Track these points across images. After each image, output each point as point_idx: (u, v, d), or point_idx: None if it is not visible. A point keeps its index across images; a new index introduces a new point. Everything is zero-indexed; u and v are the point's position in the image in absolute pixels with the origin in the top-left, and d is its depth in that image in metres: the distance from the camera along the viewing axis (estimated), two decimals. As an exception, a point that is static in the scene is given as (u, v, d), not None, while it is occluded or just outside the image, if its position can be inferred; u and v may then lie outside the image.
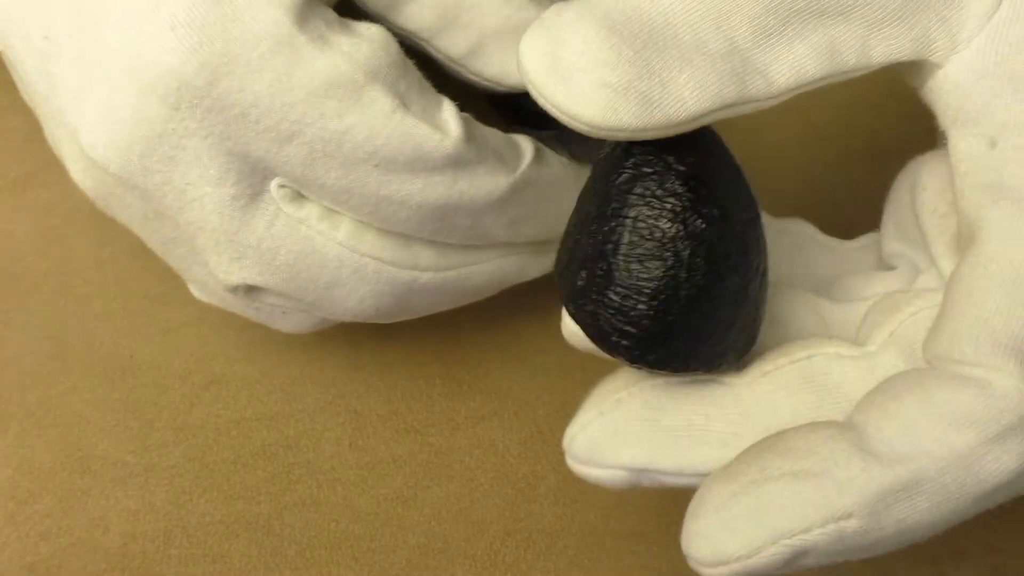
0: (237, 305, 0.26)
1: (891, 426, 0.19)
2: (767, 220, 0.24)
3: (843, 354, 0.22)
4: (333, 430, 0.30)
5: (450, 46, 0.27)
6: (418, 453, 0.30)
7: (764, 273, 0.22)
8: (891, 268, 0.25)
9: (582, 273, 0.21)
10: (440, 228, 0.25)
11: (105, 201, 0.25)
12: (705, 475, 0.22)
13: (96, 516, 0.29)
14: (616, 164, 0.21)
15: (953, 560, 0.30)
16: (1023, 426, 0.19)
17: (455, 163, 0.24)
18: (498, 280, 0.28)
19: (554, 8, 0.20)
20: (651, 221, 0.20)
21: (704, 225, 0.20)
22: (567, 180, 0.27)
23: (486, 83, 0.27)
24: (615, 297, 0.21)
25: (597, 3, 0.20)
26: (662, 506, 0.29)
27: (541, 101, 0.20)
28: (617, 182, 0.21)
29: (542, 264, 0.28)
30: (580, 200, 0.22)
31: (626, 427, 0.22)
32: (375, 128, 0.23)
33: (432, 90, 0.24)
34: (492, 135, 0.25)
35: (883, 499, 0.19)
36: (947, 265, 0.22)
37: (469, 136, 0.24)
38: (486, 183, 0.25)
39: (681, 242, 0.20)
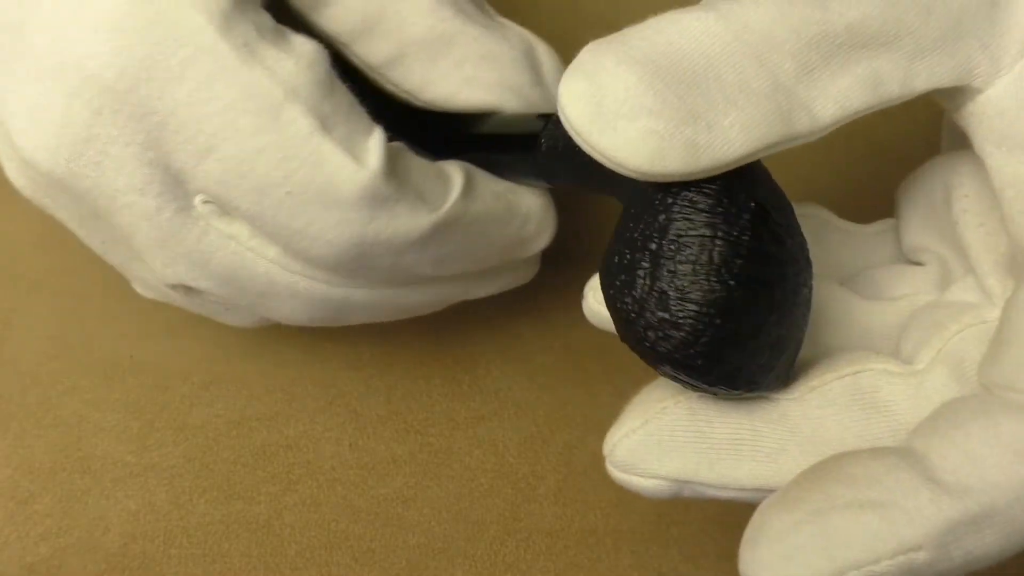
0: (179, 300, 0.26)
1: (957, 456, 0.19)
2: None
3: (891, 371, 0.22)
4: (333, 430, 0.30)
5: (370, 53, 0.26)
6: (418, 453, 0.30)
7: (810, 291, 0.22)
8: (916, 262, 0.25)
9: (634, 301, 0.20)
10: (359, 266, 0.24)
11: (40, 201, 0.24)
12: (749, 489, 0.22)
13: (96, 516, 0.29)
14: (665, 193, 0.20)
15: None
16: None
17: (371, 198, 0.22)
18: (439, 301, 0.27)
19: (591, 50, 0.20)
20: (703, 245, 0.20)
21: (763, 248, 0.20)
22: (497, 214, 0.26)
23: (404, 94, 0.27)
24: (672, 324, 0.20)
25: (636, 45, 0.19)
26: (662, 506, 0.29)
27: (585, 148, 0.19)
28: (669, 213, 0.20)
29: (487, 287, 0.28)
30: (627, 227, 0.20)
31: (671, 437, 0.22)
32: (289, 151, 0.22)
33: (363, 116, 0.23)
34: (419, 168, 0.24)
35: (952, 531, 0.19)
36: (995, 284, 0.22)
37: (390, 171, 0.23)
38: (406, 222, 0.23)
39: (737, 264, 0.20)
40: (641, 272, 0.20)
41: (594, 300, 0.24)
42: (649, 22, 0.20)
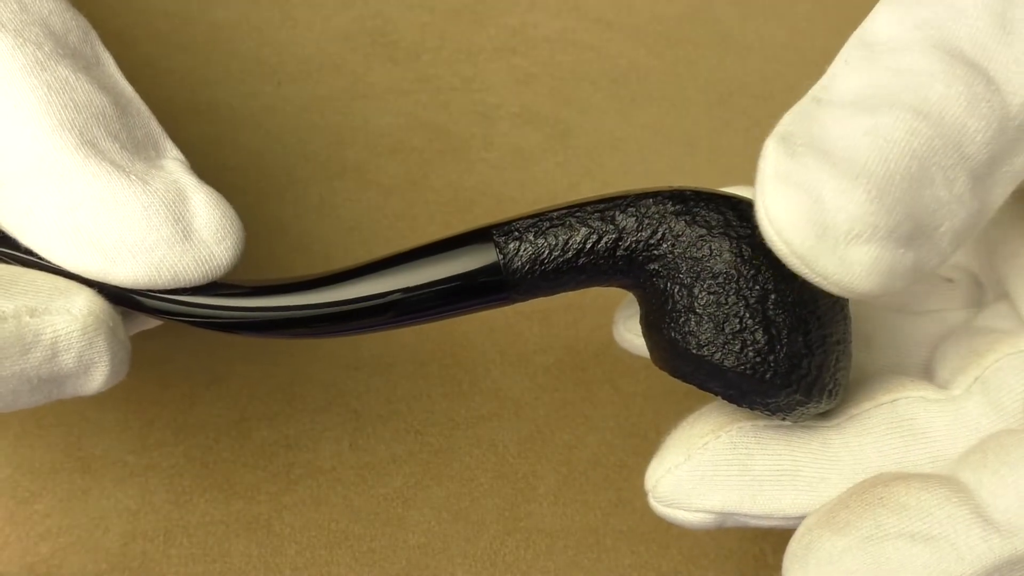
0: None
1: (1008, 495, 0.19)
2: None
3: (928, 397, 0.22)
4: (333, 430, 0.30)
5: None
6: (418, 453, 0.30)
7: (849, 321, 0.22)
8: (945, 277, 0.25)
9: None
10: None
11: None
12: (792, 518, 0.22)
13: (97, 515, 0.29)
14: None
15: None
16: None
17: None
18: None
19: (796, 162, 0.18)
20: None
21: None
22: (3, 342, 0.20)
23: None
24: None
25: (848, 156, 0.18)
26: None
27: (803, 271, 0.18)
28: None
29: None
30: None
31: (714, 472, 0.22)
32: None
33: None
34: None
35: (999, 570, 0.19)
36: None
37: None
38: None
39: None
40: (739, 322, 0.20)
41: (626, 330, 0.24)
42: (829, 120, 0.18)
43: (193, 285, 0.21)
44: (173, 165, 0.22)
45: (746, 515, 0.22)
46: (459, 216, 0.33)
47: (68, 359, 0.20)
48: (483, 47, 0.35)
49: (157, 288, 0.21)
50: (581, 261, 0.21)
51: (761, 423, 0.22)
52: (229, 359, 0.31)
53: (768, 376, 0.20)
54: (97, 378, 0.21)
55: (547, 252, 0.21)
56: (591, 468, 0.30)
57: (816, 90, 0.19)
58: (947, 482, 0.20)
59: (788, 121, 0.19)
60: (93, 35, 0.23)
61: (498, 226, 0.21)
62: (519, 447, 0.30)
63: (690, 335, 0.20)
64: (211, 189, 0.21)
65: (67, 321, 0.20)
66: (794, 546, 0.21)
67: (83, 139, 0.20)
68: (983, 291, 0.24)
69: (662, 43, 0.35)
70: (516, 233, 0.21)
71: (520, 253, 0.21)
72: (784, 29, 0.37)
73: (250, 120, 0.34)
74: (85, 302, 0.20)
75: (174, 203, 0.20)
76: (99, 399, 0.31)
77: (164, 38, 0.34)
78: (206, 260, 0.20)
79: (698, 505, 0.22)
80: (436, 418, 0.31)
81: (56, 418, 0.30)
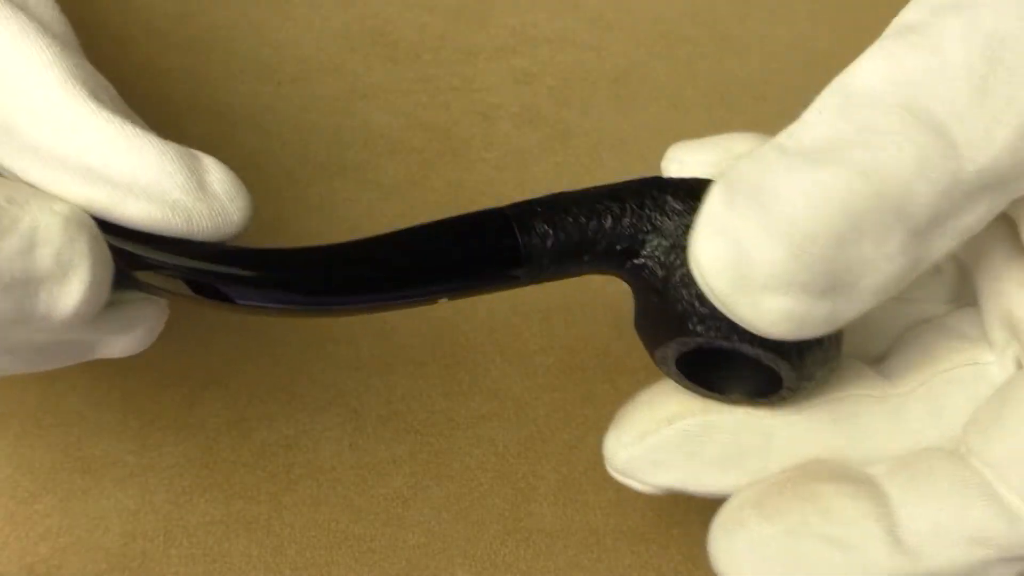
0: None
1: (924, 523, 0.21)
2: None
3: (873, 395, 0.23)
4: (333, 430, 0.30)
5: None
6: (418, 453, 0.30)
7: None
8: (937, 268, 0.25)
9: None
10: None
11: None
12: (731, 494, 0.23)
13: (96, 516, 0.29)
14: None
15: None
16: None
17: None
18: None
19: (727, 206, 0.19)
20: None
21: None
22: None
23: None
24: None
25: (779, 211, 0.18)
26: (662, 506, 0.29)
27: (723, 310, 0.19)
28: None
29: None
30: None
31: (665, 456, 0.23)
32: None
33: None
34: None
35: None
36: (999, 337, 0.23)
37: None
38: None
39: None
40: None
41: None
42: (780, 172, 0.19)
43: (204, 237, 0.20)
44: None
45: (692, 492, 0.24)
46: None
47: (46, 254, 0.19)
48: (483, 47, 0.35)
49: (168, 231, 0.20)
50: (590, 245, 0.21)
51: (713, 415, 0.23)
52: (229, 359, 0.31)
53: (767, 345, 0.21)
54: (75, 288, 0.19)
55: (563, 235, 0.21)
56: (591, 468, 0.30)
57: (783, 136, 0.20)
58: (874, 494, 0.22)
59: (743, 167, 0.19)
60: (73, 36, 0.23)
61: (515, 206, 0.22)
62: (519, 447, 0.30)
63: (690, 312, 0.21)
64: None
65: (48, 214, 0.19)
66: (724, 517, 0.22)
67: (92, 93, 0.20)
68: (965, 287, 0.24)
69: (662, 43, 0.35)
70: (534, 214, 0.21)
71: (539, 233, 0.21)
72: (784, 29, 0.37)
73: (250, 120, 0.34)
74: (68, 205, 0.19)
75: (187, 156, 0.20)
76: (99, 399, 0.31)
77: (164, 38, 0.34)
78: (220, 213, 0.20)
79: (649, 481, 0.24)
80: (436, 418, 0.31)
81: (56, 418, 0.30)
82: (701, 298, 0.20)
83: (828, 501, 0.22)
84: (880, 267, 0.19)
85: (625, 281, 0.22)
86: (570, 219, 0.21)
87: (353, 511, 0.29)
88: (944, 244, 0.19)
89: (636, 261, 0.21)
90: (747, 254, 0.18)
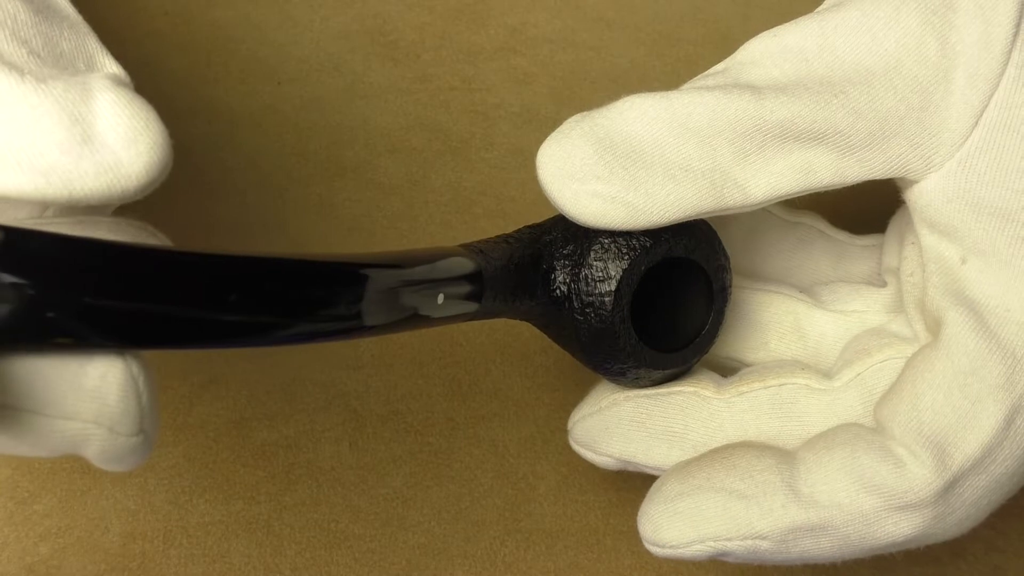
0: None
1: (817, 473, 0.23)
2: (781, 212, 0.27)
3: (811, 386, 0.25)
4: (333, 430, 0.30)
5: None
6: (418, 453, 0.30)
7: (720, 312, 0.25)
8: (883, 282, 0.27)
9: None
10: None
11: None
12: None
13: (96, 516, 0.29)
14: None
15: (954, 559, 0.30)
16: (920, 506, 0.22)
17: None
18: None
19: (572, 120, 0.23)
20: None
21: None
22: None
23: None
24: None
25: (601, 123, 0.23)
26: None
27: (550, 200, 0.23)
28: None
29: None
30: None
31: (616, 425, 0.25)
32: None
33: None
34: None
35: (793, 532, 0.22)
36: (919, 328, 0.25)
37: None
38: None
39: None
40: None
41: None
42: (618, 102, 0.23)
43: (96, 200, 0.17)
44: (99, 76, 0.18)
45: (641, 465, 0.25)
46: (459, 216, 0.33)
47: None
48: (483, 47, 0.35)
49: (50, 200, 0.17)
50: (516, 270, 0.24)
51: (664, 391, 0.25)
52: (228, 359, 0.31)
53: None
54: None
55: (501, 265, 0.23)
56: (591, 468, 0.30)
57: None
58: (780, 454, 0.23)
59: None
60: None
61: (467, 245, 0.24)
62: (519, 447, 0.30)
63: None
64: (131, 92, 0.18)
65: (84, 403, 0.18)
66: (653, 486, 0.24)
67: None
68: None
69: (662, 43, 0.35)
70: (480, 250, 0.23)
71: (490, 264, 0.23)
72: (784, 29, 0.37)
73: (250, 120, 0.34)
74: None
75: (73, 103, 0.17)
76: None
77: (164, 38, 0.34)
78: (110, 167, 0.17)
79: (603, 450, 0.25)
80: (436, 418, 0.31)
81: (56, 418, 0.30)
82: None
83: (735, 460, 0.23)
84: (680, 180, 0.22)
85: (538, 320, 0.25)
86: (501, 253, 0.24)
87: (353, 511, 0.29)
88: (759, 188, 0.23)
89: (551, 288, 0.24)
90: (568, 151, 0.23)
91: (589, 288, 0.23)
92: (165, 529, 0.29)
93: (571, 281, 0.23)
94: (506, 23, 0.35)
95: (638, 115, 0.23)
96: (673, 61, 0.35)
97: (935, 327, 0.23)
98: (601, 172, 0.22)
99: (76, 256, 0.16)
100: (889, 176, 0.23)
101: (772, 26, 0.24)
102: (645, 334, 0.24)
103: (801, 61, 0.23)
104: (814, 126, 0.22)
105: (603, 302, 0.23)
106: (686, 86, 0.23)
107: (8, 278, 0.15)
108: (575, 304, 0.23)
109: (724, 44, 0.36)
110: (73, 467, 0.30)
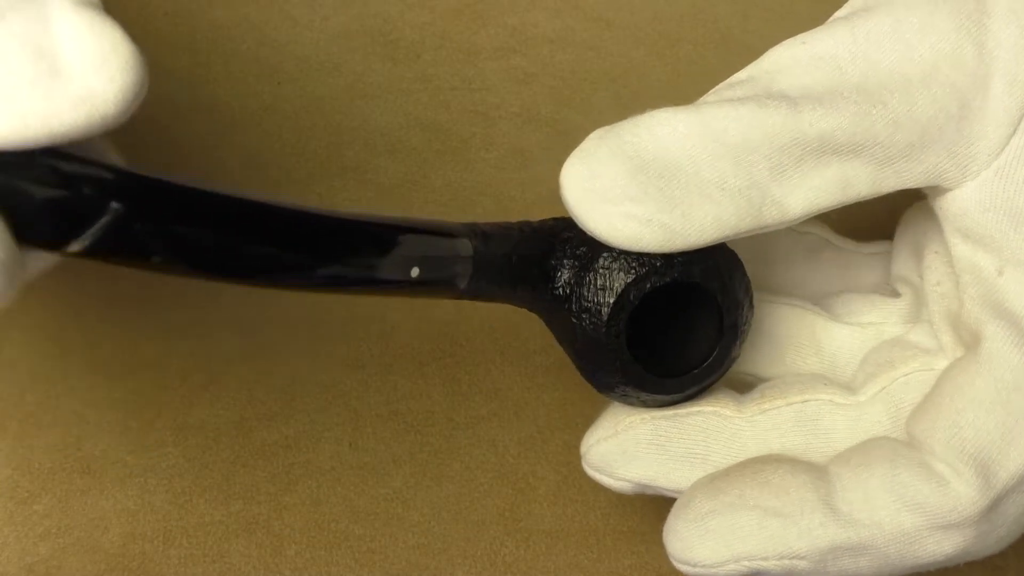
0: None
1: (856, 491, 0.22)
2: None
3: (836, 401, 0.24)
4: (333, 430, 0.30)
5: None
6: (418, 453, 0.30)
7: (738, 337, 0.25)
8: (894, 291, 0.26)
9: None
10: None
11: None
12: None
13: (96, 516, 0.29)
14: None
15: (954, 560, 0.29)
16: (963, 525, 0.21)
17: None
18: None
19: (595, 136, 0.22)
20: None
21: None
22: None
23: None
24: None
25: (630, 140, 0.22)
26: (662, 506, 0.29)
27: (579, 223, 0.22)
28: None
29: None
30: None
31: (635, 449, 0.24)
32: None
33: None
34: None
35: (832, 552, 0.22)
36: (947, 340, 0.24)
37: None
38: None
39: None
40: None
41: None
42: (644, 117, 0.22)
43: (80, 133, 0.17)
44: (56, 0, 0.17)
45: (661, 488, 0.24)
46: (459, 216, 0.33)
47: None
48: (483, 47, 0.35)
49: (32, 142, 0.17)
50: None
51: (683, 412, 0.24)
52: (229, 359, 0.31)
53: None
54: None
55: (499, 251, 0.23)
56: (591, 468, 0.30)
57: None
58: (813, 470, 0.23)
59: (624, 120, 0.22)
60: None
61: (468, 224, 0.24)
62: (519, 447, 0.30)
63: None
64: (93, 12, 0.17)
65: None
66: (677, 504, 0.24)
67: None
68: (923, 307, 0.26)
69: (662, 43, 0.35)
70: (484, 233, 0.23)
71: (489, 250, 0.23)
72: (784, 29, 0.37)
73: (249, 120, 0.34)
74: None
75: (33, 36, 0.17)
76: (99, 399, 0.31)
77: (164, 38, 0.34)
78: (84, 97, 0.17)
79: (620, 475, 0.24)
80: (436, 418, 0.31)
81: (55, 418, 0.30)
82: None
83: (768, 475, 0.23)
84: (717, 199, 0.21)
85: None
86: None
87: (353, 511, 0.29)
88: (796, 203, 0.22)
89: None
90: (595, 171, 0.21)
91: (589, 294, 0.23)
92: (165, 529, 0.29)
93: (574, 283, 0.23)
94: (506, 23, 0.35)
95: (669, 131, 0.21)
96: (673, 61, 0.35)
97: (972, 340, 0.23)
98: (635, 193, 0.21)
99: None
100: (924, 185, 0.22)
101: (772, 26, 0.24)
102: (653, 354, 0.23)
103: (834, 69, 0.22)
104: (854, 139, 0.21)
105: (600, 311, 0.23)
106: (712, 97, 0.22)
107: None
108: (574, 307, 0.23)
109: (724, 44, 0.36)
110: (73, 467, 0.30)
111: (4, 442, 0.30)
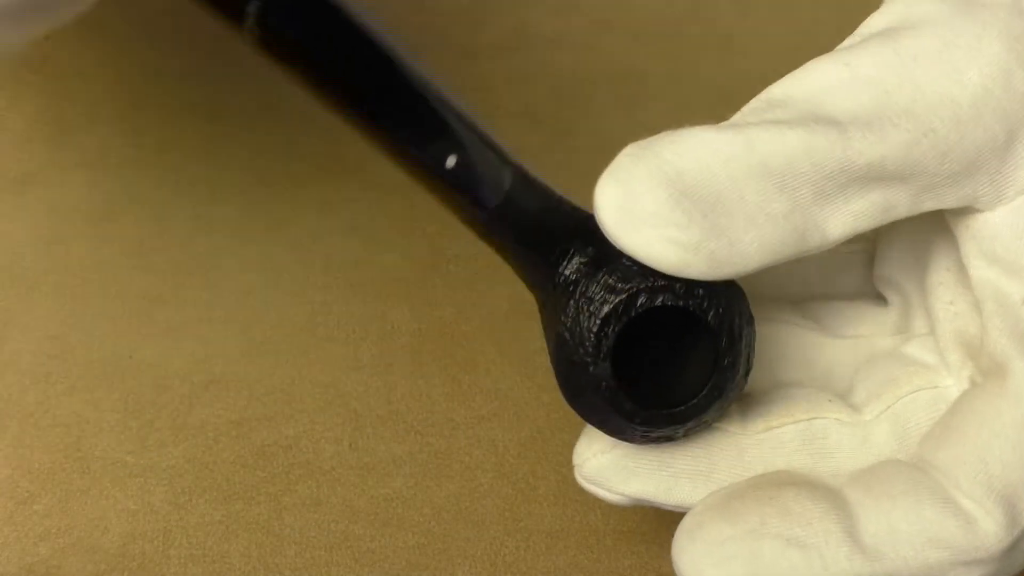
0: None
1: (880, 524, 0.22)
2: None
3: (842, 420, 0.24)
4: (333, 430, 0.30)
5: None
6: (418, 453, 0.30)
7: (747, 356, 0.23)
8: (880, 294, 0.26)
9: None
10: None
11: None
12: None
13: (96, 516, 0.29)
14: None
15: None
16: (988, 561, 0.21)
17: None
18: None
19: (629, 155, 0.21)
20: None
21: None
22: None
23: None
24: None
25: (670, 160, 0.21)
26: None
27: (617, 245, 0.21)
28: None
29: None
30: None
31: (635, 464, 0.24)
32: None
33: None
34: None
35: None
36: (955, 359, 0.24)
37: None
38: None
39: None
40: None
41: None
42: (683, 136, 0.21)
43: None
44: None
45: (661, 504, 0.24)
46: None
47: None
48: (483, 47, 0.35)
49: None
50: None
51: None
52: (229, 359, 0.31)
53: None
54: None
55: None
56: (591, 468, 0.30)
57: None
58: (833, 496, 0.22)
59: (660, 135, 0.22)
60: None
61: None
62: (519, 447, 0.30)
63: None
64: None
65: None
66: (688, 522, 0.23)
67: None
68: (913, 317, 0.26)
69: (662, 43, 0.35)
70: (527, 180, 0.23)
71: (524, 190, 0.23)
72: (784, 29, 0.37)
73: (250, 120, 0.34)
74: None
75: None
76: (99, 399, 0.31)
77: (164, 38, 0.34)
78: None
79: (618, 489, 0.24)
80: (436, 418, 0.31)
81: (55, 418, 0.30)
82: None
83: (788, 502, 0.22)
84: (761, 225, 0.21)
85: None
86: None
87: (353, 511, 0.29)
88: (838, 228, 0.21)
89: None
90: (635, 195, 0.20)
91: (590, 295, 0.22)
92: (165, 529, 0.29)
93: (578, 276, 0.22)
94: (506, 23, 0.35)
95: (711, 153, 0.21)
96: (673, 61, 0.35)
97: (994, 368, 0.22)
98: (679, 219, 0.20)
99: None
100: (958, 206, 0.22)
101: (772, 26, 0.23)
102: (650, 383, 0.22)
103: (882, 93, 0.21)
104: (902, 169, 0.21)
105: (591, 319, 0.22)
106: (753, 118, 0.22)
107: None
108: (568, 301, 0.22)
109: (724, 44, 0.36)
110: (73, 467, 0.30)
111: (3, 442, 0.30)
